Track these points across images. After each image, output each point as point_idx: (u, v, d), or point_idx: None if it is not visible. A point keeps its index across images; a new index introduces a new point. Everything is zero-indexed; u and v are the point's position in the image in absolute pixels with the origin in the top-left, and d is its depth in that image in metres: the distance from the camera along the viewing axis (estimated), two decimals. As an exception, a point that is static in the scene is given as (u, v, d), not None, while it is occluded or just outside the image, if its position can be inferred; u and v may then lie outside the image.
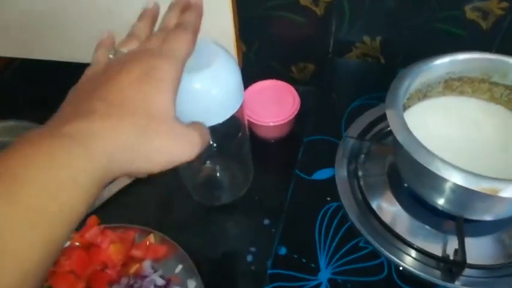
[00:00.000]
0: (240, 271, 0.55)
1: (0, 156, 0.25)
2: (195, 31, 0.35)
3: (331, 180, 0.53)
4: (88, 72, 0.33)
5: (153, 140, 0.29)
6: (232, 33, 0.66)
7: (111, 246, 0.55)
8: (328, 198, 0.51)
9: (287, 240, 0.49)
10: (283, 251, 0.48)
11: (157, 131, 0.29)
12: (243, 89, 0.46)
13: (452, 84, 0.51)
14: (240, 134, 0.54)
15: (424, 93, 0.51)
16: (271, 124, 0.64)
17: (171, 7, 0.37)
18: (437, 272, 0.45)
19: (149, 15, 0.36)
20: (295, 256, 0.48)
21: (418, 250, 0.46)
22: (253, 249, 0.57)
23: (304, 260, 0.47)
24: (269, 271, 0.47)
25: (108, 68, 0.32)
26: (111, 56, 0.34)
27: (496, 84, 0.50)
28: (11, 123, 0.67)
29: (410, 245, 0.47)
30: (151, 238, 0.57)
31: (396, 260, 0.46)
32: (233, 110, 0.45)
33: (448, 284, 0.44)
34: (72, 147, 0.26)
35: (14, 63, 0.85)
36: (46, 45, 0.76)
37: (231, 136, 0.55)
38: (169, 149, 0.30)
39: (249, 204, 0.61)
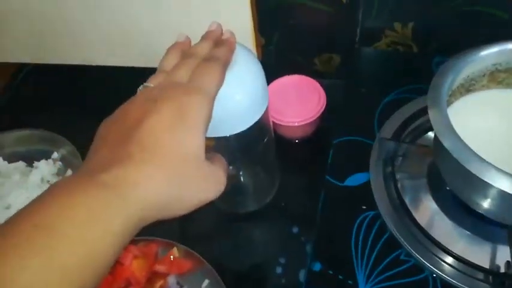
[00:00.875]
0: (269, 284, 0.52)
1: (37, 202, 0.25)
2: (226, 66, 0.35)
3: (366, 186, 0.49)
4: (123, 107, 0.32)
5: (186, 184, 0.29)
6: (251, 26, 0.61)
7: (134, 262, 0.52)
8: (364, 207, 0.47)
9: (321, 254, 0.46)
10: (317, 266, 0.45)
11: (190, 175, 0.29)
12: (267, 91, 0.42)
13: (498, 76, 0.46)
14: (265, 139, 0.50)
15: (467, 88, 0.46)
16: (296, 124, 0.59)
17: (205, 38, 0.37)
18: (486, 286, 0.41)
19: (179, 48, 0.36)
20: (331, 272, 0.44)
21: (465, 262, 0.42)
22: (282, 260, 0.54)
23: (340, 277, 0.44)
24: (303, 289, 0.44)
25: (138, 105, 0.31)
26: (139, 88, 0.33)
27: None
28: (26, 132, 0.65)
29: (457, 257, 0.42)
30: (175, 251, 0.54)
31: (441, 274, 0.42)
32: (258, 115, 0.42)
33: (501, 300, 0.39)
34: (109, 198, 0.26)
35: (24, 69, 0.83)
36: (56, 48, 0.73)
37: (255, 141, 0.51)
38: (201, 190, 0.30)
39: (275, 211, 0.58)
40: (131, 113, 0.30)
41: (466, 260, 0.42)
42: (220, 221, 0.59)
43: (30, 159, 0.62)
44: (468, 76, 0.44)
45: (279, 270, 0.53)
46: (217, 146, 0.51)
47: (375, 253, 0.44)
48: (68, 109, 0.72)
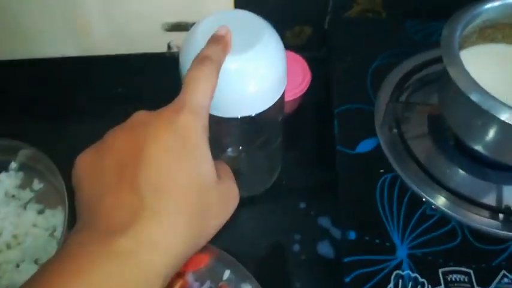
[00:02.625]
0: (290, 262, 0.51)
1: (49, 275, 0.22)
2: (218, 68, 0.31)
3: (378, 150, 0.49)
4: (108, 136, 0.28)
5: (207, 216, 0.27)
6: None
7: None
8: (382, 170, 0.48)
9: (351, 223, 0.45)
10: (352, 235, 0.44)
11: (209, 203, 0.27)
12: (286, 71, 0.40)
13: (485, 32, 0.49)
14: (280, 119, 0.48)
15: (460, 45, 0.48)
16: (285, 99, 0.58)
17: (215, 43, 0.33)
18: (509, 225, 0.44)
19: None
20: (367, 238, 0.44)
21: (484, 207, 0.45)
22: (297, 237, 0.53)
23: (377, 241, 0.44)
24: (344, 259, 0.43)
25: (126, 132, 0.27)
26: None
27: (528, 26, 0.49)
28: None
29: (478, 204, 0.45)
30: (187, 247, 0.50)
31: (467, 221, 0.44)
32: (277, 96, 0.40)
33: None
34: (130, 272, 0.22)
35: None
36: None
37: (269, 122, 0.48)
38: (221, 213, 0.29)
39: (278, 189, 0.56)
40: (121, 143, 0.26)
41: (486, 204, 0.45)
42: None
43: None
44: (464, 33, 0.47)
45: (296, 247, 0.52)
46: (223, 128, 0.48)
47: (402, 212, 0.46)
48: (13, 108, 0.63)
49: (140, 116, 0.28)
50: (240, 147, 0.53)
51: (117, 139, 0.27)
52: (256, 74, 0.36)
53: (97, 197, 0.25)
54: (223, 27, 0.33)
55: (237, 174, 0.55)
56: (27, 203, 0.53)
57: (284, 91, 0.41)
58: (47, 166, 0.51)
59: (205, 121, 0.28)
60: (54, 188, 0.54)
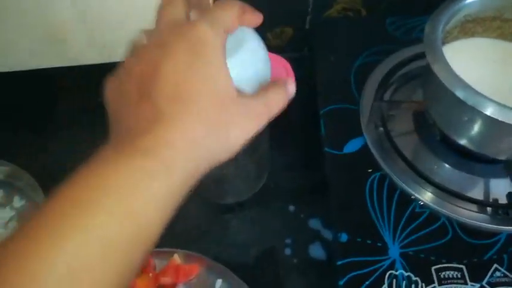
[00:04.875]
0: (282, 267, 0.51)
1: (74, 178, 0.23)
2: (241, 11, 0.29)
3: (365, 149, 0.49)
4: (126, 63, 0.28)
5: (227, 125, 0.27)
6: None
7: (137, 282, 0.46)
8: (370, 170, 0.48)
9: (343, 224, 0.45)
10: (344, 237, 0.44)
11: (228, 113, 0.27)
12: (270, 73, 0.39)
13: (466, 27, 0.49)
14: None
15: (442, 41, 0.48)
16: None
17: None
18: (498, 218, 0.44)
19: None
20: (359, 240, 0.44)
21: (472, 201, 0.45)
22: (288, 240, 0.53)
23: (369, 242, 0.44)
24: (338, 262, 0.43)
25: (143, 57, 0.27)
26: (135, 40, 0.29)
27: (507, 20, 0.49)
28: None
29: (466, 198, 0.45)
30: (177, 258, 0.49)
31: (455, 216, 0.44)
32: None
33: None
34: (152, 165, 0.24)
35: None
36: None
37: None
38: (243, 127, 0.27)
39: (266, 193, 0.56)
40: (138, 67, 0.27)
41: (474, 198, 0.45)
42: (209, 214, 0.55)
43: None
44: (446, 28, 0.47)
45: (287, 251, 0.52)
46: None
47: (392, 211, 0.45)
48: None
49: (155, 37, 0.28)
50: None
51: (135, 64, 0.27)
52: (241, 78, 0.35)
53: (121, 117, 0.27)
54: None
55: (224, 181, 0.55)
56: (9, 221, 0.51)
57: None
58: (28, 182, 0.49)
59: (222, 38, 0.27)
60: (37, 205, 0.52)
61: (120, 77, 0.28)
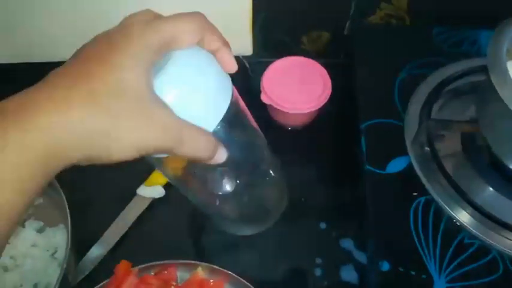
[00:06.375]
0: (311, 289, 0.47)
1: None
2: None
3: (409, 170, 0.46)
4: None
5: (117, 120, 0.24)
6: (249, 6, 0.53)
7: (159, 295, 0.43)
8: (415, 193, 0.44)
9: (385, 252, 0.42)
10: (385, 266, 0.41)
11: (124, 109, 0.24)
12: (228, 86, 0.31)
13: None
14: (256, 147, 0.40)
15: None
16: (307, 111, 0.54)
17: None
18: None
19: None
20: (402, 270, 0.40)
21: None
22: (318, 260, 0.49)
23: (413, 273, 0.40)
24: (379, 294, 0.40)
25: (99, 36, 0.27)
26: None
27: None
28: None
29: (520, 232, 0.42)
30: (200, 272, 0.46)
31: (509, 251, 0.41)
32: (220, 109, 0.30)
33: None
34: (4, 125, 0.22)
35: None
36: None
37: (248, 150, 0.40)
38: (138, 132, 0.24)
39: (296, 208, 0.52)
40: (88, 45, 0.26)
41: (528, 232, 0.42)
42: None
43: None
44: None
45: (318, 272, 0.49)
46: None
47: (439, 241, 0.42)
48: None
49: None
50: (237, 181, 0.42)
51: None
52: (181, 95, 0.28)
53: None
54: None
55: (243, 212, 0.49)
56: (26, 220, 0.49)
57: (234, 102, 0.32)
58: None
59: (151, 37, 0.25)
60: (55, 203, 0.50)
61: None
